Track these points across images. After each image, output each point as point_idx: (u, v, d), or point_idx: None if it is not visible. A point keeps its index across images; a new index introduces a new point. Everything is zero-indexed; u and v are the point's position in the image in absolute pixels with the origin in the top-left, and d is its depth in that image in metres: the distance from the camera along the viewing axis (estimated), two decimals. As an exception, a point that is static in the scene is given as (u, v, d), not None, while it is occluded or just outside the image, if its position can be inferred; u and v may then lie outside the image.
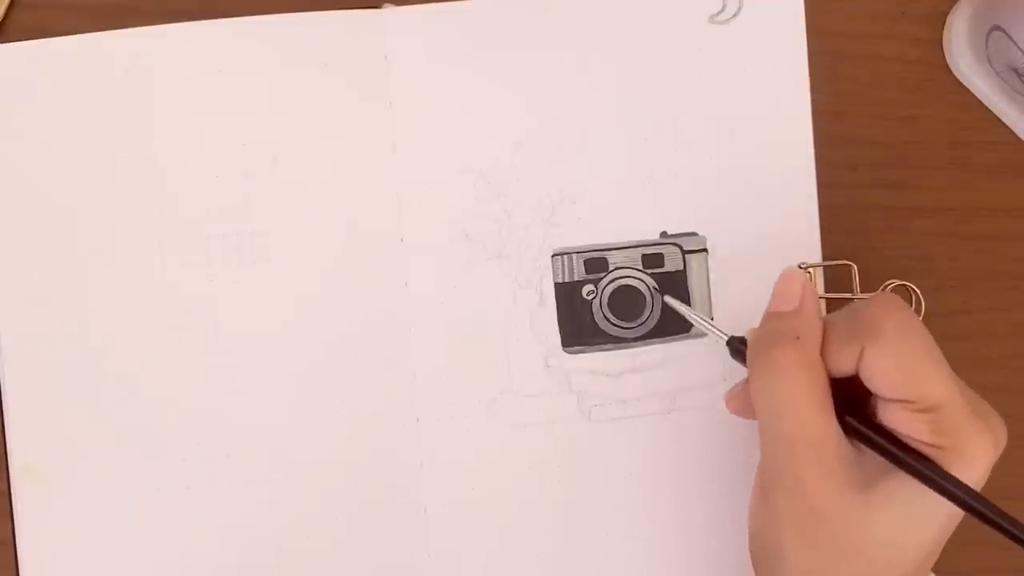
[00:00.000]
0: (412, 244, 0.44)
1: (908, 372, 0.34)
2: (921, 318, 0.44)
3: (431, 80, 0.44)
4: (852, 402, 0.36)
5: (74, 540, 0.43)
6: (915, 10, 0.46)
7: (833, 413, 0.35)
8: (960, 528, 0.45)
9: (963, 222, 0.46)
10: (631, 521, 0.44)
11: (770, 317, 0.37)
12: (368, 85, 0.43)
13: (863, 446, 0.36)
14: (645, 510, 0.44)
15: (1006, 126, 0.46)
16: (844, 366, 0.35)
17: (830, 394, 0.35)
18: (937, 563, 0.40)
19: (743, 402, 0.39)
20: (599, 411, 0.44)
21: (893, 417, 0.35)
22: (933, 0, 0.46)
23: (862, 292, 0.44)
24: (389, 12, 0.43)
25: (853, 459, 0.35)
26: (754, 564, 0.38)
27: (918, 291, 0.44)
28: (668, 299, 0.43)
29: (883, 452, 0.35)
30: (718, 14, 0.44)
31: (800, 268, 0.44)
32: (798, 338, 0.36)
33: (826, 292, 0.44)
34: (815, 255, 0.44)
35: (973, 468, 0.34)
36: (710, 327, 0.40)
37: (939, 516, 0.35)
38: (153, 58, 0.43)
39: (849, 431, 0.35)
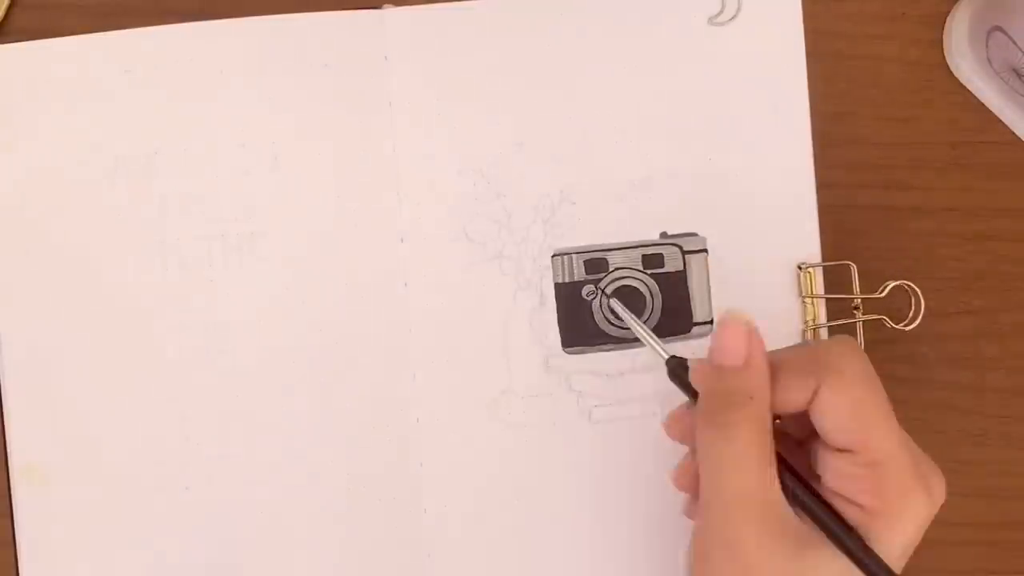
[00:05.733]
0: (412, 244, 0.44)
1: (860, 419, 0.34)
2: (921, 318, 0.44)
3: (431, 80, 0.44)
4: (791, 459, 0.35)
5: (74, 540, 0.43)
6: (915, 11, 0.46)
7: (776, 474, 0.34)
8: (957, 528, 0.45)
9: (963, 222, 0.46)
10: (631, 521, 0.44)
11: (719, 372, 0.35)
12: (368, 85, 0.43)
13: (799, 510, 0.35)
14: (645, 510, 0.44)
15: (1006, 126, 0.46)
16: (795, 401, 0.34)
17: (775, 454, 0.35)
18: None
19: (685, 429, 0.37)
20: (599, 411, 0.44)
21: (835, 469, 0.34)
22: (933, 0, 0.46)
23: (862, 292, 0.44)
24: (389, 12, 0.44)
25: (791, 523, 0.35)
26: None
27: (918, 291, 0.44)
28: (614, 303, 0.43)
29: (815, 519, 0.34)
30: (717, 15, 0.44)
31: (799, 267, 0.44)
32: (751, 398, 0.34)
33: (826, 292, 0.44)
34: (815, 255, 0.44)
35: (906, 532, 0.34)
36: (652, 342, 0.39)
37: None
38: (153, 58, 0.43)
39: (787, 493, 0.35)
